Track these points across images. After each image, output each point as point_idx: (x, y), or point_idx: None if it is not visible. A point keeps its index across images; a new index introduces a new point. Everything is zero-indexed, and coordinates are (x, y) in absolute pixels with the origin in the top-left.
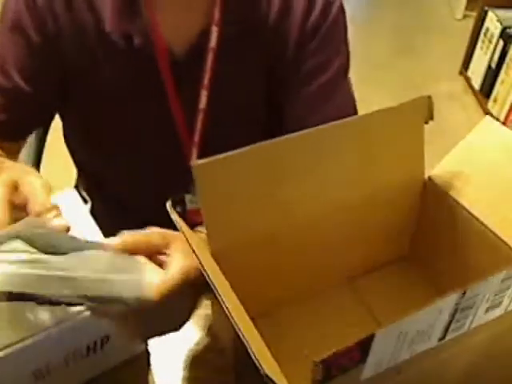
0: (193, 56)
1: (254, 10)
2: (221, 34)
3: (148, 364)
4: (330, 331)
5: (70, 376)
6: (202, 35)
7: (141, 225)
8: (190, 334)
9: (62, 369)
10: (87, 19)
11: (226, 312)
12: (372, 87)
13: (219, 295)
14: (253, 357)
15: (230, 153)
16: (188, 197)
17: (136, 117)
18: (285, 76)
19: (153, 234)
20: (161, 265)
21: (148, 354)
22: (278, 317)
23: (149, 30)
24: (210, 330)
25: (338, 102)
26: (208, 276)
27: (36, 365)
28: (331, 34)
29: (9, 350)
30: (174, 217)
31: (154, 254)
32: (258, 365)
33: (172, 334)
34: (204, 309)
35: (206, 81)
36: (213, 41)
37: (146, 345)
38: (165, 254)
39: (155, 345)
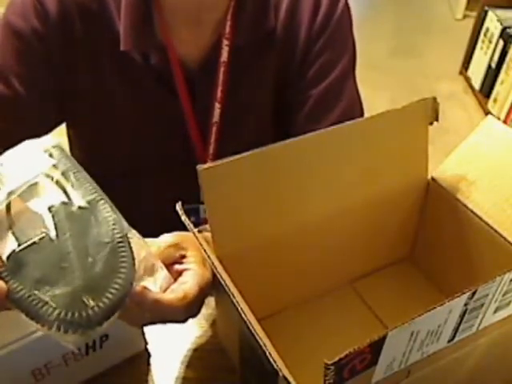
0: (206, 70)
1: (263, 21)
2: (231, 47)
3: (148, 364)
4: (334, 333)
5: (69, 376)
6: (214, 49)
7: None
8: (191, 334)
9: (62, 368)
10: (104, 35)
11: (242, 314)
12: (372, 87)
13: (234, 297)
14: (271, 359)
15: (234, 157)
16: (202, 207)
17: (150, 131)
18: (294, 80)
19: (169, 247)
20: (177, 272)
21: (148, 354)
22: (282, 319)
23: (164, 46)
24: (211, 330)
25: (346, 99)
26: (222, 278)
27: (35, 364)
28: (337, 32)
29: (7, 350)
30: (186, 220)
31: (171, 265)
32: (276, 367)
33: (172, 334)
34: (204, 308)
35: (218, 94)
36: (224, 54)
37: (146, 344)
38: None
39: (155, 345)
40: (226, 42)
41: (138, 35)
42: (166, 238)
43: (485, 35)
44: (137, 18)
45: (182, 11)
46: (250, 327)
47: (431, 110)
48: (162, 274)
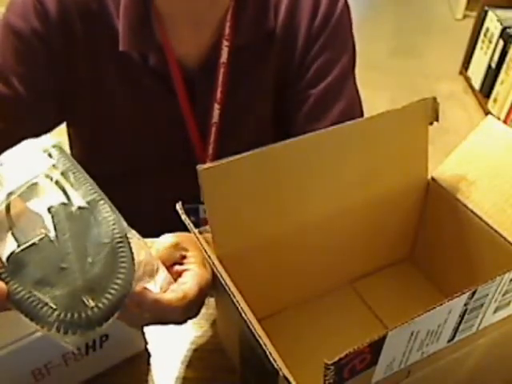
0: (206, 70)
1: (263, 22)
2: (231, 47)
3: (148, 364)
4: (334, 333)
5: (69, 376)
6: (213, 50)
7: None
8: (191, 334)
9: (62, 368)
10: (104, 35)
11: (242, 314)
12: (372, 87)
13: (234, 297)
14: (271, 359)
15: (234, 157)
16: (202, 207)
17: (150, 131)
18: (294, 80)
19: (170, 247)
20: (177, 272)
21: (148, 354)
22: (282, 319)
23: (162, 47)
24: (211, 330)
25: (345, 99)
26: (222, 278)
27: (35, 364)
28: (337, 32)
29: (7, 350)
30: (186, 219)
31: (171, 266)
32: (276, 366)
33: (172, 335)
34: (204, 308)
35: (218, 94)
36: (223, 55)
37: (146, 344)
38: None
39: (155, 345)
40: (225, 43)
41: (136, 36)
42: (167, 239)
43: (485, 35)
44: (135, 20)
45: (179, 13)
46: (250, 327)
47: (431, 110)
48: (162, 274)
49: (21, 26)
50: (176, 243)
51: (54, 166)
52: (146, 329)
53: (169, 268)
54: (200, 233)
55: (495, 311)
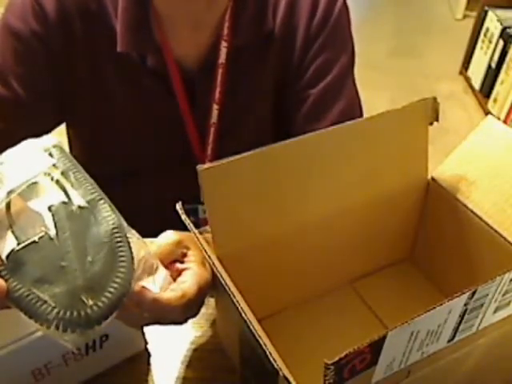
0: (204, 71)
1: (262, 22)
2: (230, 48)
3: (148, 364)
4: (334, 333)
5: (69, 376)
6: (212, 50)
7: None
8: (191, 334)
9: (62, 368)
10: (103, 35)
11: (242, 314)
12: (372, 87)
13: (234, 297)
14: (271, 359)
15: (234, 157)
16: (201, 207)
17: (149, 131)
18: (293, 80)
19: (172, 244)
20: (177, 270)
21: (148, 354)
22: (282, 319)
23: (160, 48)
24: (211, 330)
25: (345, 99)
26: (222, 278)
27: (35, 364)
28: (336, 32)
29: (7, 350)
30: (186, 219)
31: (171, 263)
32: (276, 366)
33: (172, 334)
34: (204, 308)
35: (217, 95)
36: (222, 56)
37: (146, 344)
38: (181, 261)
39: (155, 345)
40: (224, 44)
41: (134, 37)
42: (169, 235)
43: (485, 35)
44: (133, 21)
45: (178, 14)
46: (250, 327)
47: (431, 110)
48: (162, 274)
49: (20, 27)
50: (178, 241)
51: (54, 165)
52: (146, 329)
53: (169, 265)
54: (200, 233)
55: (495, 311)
